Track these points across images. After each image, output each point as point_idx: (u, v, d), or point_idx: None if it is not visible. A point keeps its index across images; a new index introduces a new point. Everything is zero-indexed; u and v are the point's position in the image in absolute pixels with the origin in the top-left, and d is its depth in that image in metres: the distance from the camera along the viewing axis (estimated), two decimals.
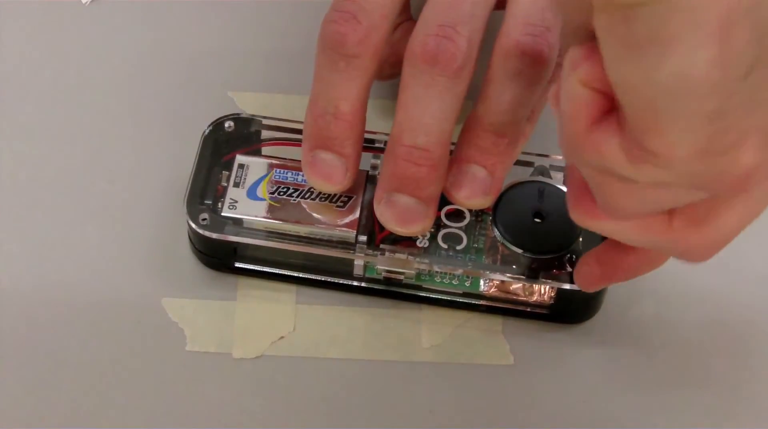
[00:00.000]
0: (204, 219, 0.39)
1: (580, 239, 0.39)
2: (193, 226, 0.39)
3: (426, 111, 0.35)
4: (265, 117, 0.42)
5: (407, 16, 0.42)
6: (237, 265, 0.41)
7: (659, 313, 0.41)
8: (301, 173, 0.39)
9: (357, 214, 0.39)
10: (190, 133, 0.42)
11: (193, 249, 0.41)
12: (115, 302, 0.41)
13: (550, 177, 0.40)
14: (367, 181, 0.40)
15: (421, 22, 0.36)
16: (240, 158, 0.40)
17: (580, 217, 0.31)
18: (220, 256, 0.41)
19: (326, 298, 0.41)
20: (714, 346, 0.41)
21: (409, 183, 0.36)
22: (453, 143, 0.37)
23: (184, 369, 0.39)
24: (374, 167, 0.40)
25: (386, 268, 0.40)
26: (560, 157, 0.41)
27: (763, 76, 0.25)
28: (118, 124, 0.45)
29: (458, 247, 0.39)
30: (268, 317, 0.40)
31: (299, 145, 0.38)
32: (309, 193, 0.39)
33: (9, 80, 0.46)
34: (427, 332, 0.40)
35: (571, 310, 0.40)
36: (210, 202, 0.40)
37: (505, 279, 0.39)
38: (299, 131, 0.38)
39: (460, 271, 0.39)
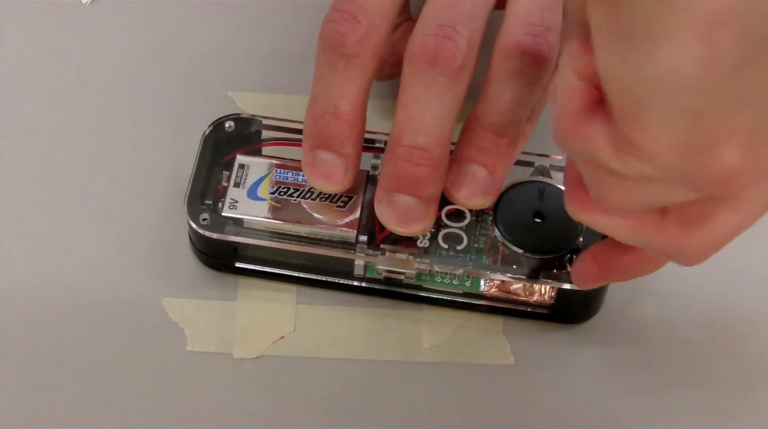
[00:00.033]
0: (204, 219, 0.39)
1: (581, 239, 0.39)
2: (194, 226, 0.39)
3: (426, 111, 0.35)
4: (265, 117, 0.42)
5: (407, 16, 0.42)
6: (237, 265, 0.41)
7: (659, 313, 0.41)
8: (301, 173, 0.39)
9: (357, 214, 0.39)
10: (191, 133, 0.42)
11: (194, 249, 0.41)
12: (116, 302, 0.41)
13: (551, 177, 0.40)
14: (368, 181, 0.40)
15: (420, 22, 0.36)
16: (240, 158, 0.40)
17: (575, 210, 0.31)
18: (220, 256, 0.41)
19: (327, 298, 0.41)
20: (714, 346, 0.41)
21: (409, 183, 0.36)
22: (453, 143, 0.37)
23: (185, 369, 0.39)
24: (374, 167, 0.40)
25: (387, 268, 0.40)
26: (560, 157, 0.41)
27: (751, 78, 0.25)
28: (118, 124, 0.45)
29: (459, 247, 0.39)
30: (268, 317, 0.40)
31: (299, 145, 0.38)
32: (309, 193, 0.39)
33: (9, 80, 0.46)
34: (427, 332, 0.40)
35: (572, 310, 0.40)
36: (210, 202, 0.40)
37: (505, 279, 0.39)
38: (299, 131, 0.38)
39: (460, 271, 0.39)
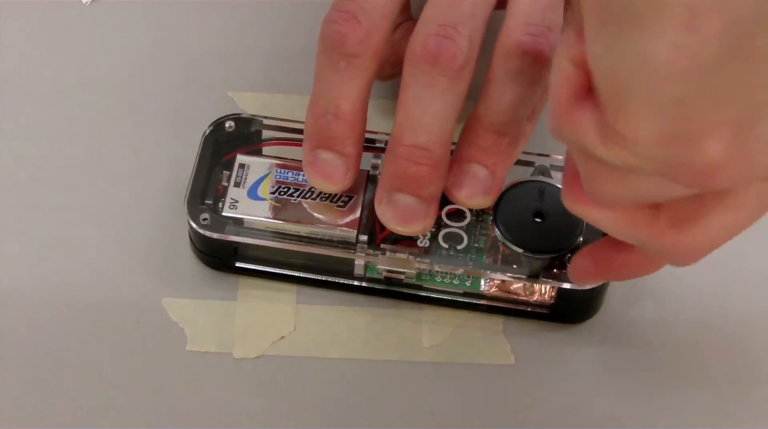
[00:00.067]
0: (205, 219, 0.39)
1: (581, 239, 0.39)
2: (194, 225, 0.39)
3: (427, 111, 0.35)
4: (265, 117, 0.42)
5: (408, 16, 0.42)
6: (238, 264, 0.41)
7: (659, 313, 0.41)
8: (301, 173, 0.39)
9: (358, 213, 0.39)
10: (191, 133, 0.42)
11: (194, 249, 0.41)
12: (116, 302, 0.41)
13: (551, 177, 0.40)
14: (368, 180, 0.40)
15: (421, 22, 0.36)
16: (241, 158, 0.40)
17: (570, 202, 0.31)
18: (220, 256, 0.41)
19: (327, 297, 0.41)
20: (714, 346, 0.41)
21: (409, 182, 0.36)
22: (454, 143, 0.37)
23: (185, 369, 0.39)
24: (375, 167, 0.40)
25: (387, 268, 0.40)
26: (560, 157, 0.41)
27: (736, 71, 0.24)
28: (118, 124, 0.45)
29: (459, 247, 0.39)
30: (268, 317, 0.40)
31: (300, 145, 0.38)
32: (310, 193, 0.39)
33: (9, 80, 0.46)
34: (427, 332, 0.40)
35: (572, 310, 0.40)
36: (211, 201, 0.40)
37: (505, 278, 0.39)
38: (300, 131, 0.38)
39: (460, 271, 0.39)
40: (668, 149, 0.26)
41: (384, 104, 0.44)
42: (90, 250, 0.42)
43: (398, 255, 0.39)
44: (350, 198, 0.39)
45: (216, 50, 0.47)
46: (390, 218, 0.37)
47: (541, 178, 0.40)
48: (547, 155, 0.41)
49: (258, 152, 0.41)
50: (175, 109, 0.45)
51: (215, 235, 0.39)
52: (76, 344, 0.40)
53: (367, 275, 0.40)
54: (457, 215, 0.40)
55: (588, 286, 0.38)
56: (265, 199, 0.39)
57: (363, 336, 0.40)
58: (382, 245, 0.39)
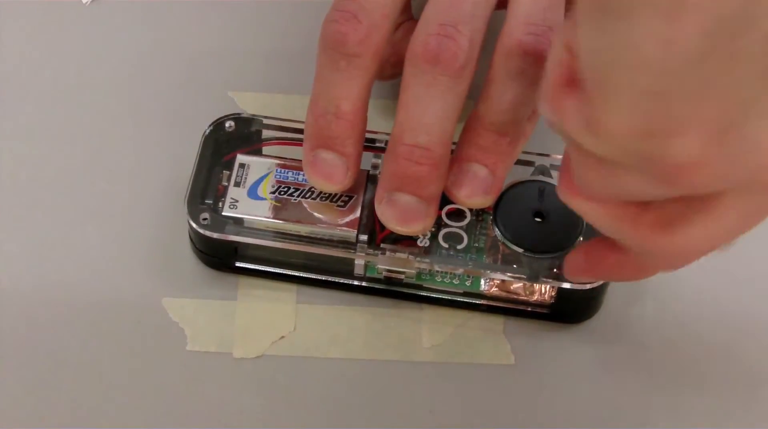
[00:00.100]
0: (205, 218, 0.39)
1: (581, 239, 0.39)
2: (194, 225, 0.39)
3: (427, 110, 0.35)
4: (265, 117, 0.42)
5: (408, 16, 0.42)
6: (238, 264, 0.41)
7: (659, 313, 0.41)
8: (302, 173, 0.39)
9: (358, 213, 0.39)
10: (191, 133, 0.42)
11: (194, 249, 0.41)
12: (116, 302, 0.41)
13: (551, 176, 0.40)
14: (368, 180, 0.40)
15: (422, 22, 0.36)
16: (241, 158, 0.40)
17: (563, 191, 0.31)
18: (220, 256, 0.41)
19: (327, 297, 0.41)
20: (714, 346, 0.41)
21: (410, 182, 0.36)
22: (454, 143, 0.37)
23: (185, 369, 0.39)
24: (375, 167, 0.40)
25: (387, 268, 0.40)
26: (560, 157, 0.41)
27: (720, 70, 0.24)
28: (118, 124, 0.45)
29: (459, 247, 0.39)
30: (268, 317, 0.40)
31: (300, 145, 0.38)
32: (310, 193, 0.39)
33: (9, 80, 0.46)
34: (427, 332, 0.40)
35: (572, 310, 0.40)
36: (211, 201, 0.40)
37: (505, 278, 0.39)
38: (300, 131, 0.38)
39: (460, 271, 0.39)
40: (644, 142, 0.26)
41: (384, 104, 0.44)
42: (90, 250, 0.42)
43: (398, 255, 0.39)
44: (350, 198, 0.39)
45: (216, 50, 0.47)
46: (390, 218, 0.37)
47: (541, 178, 0.40)
48: (547, 155, 0.41)
49: (258, 152, 0.41)
50: (175, 109, 0.45)
51: (215, 235, 0.39)
52: (76, 344, 0.40)
53: (367, 275, 0.40)
54: (457, 215, 0.40)
55: (587, 286, 0.38)
56: (265, 199, 0.39)
57: (363, 336, 0.40)
58: (382, 245, 0.39)
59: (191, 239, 0.41)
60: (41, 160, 0.44)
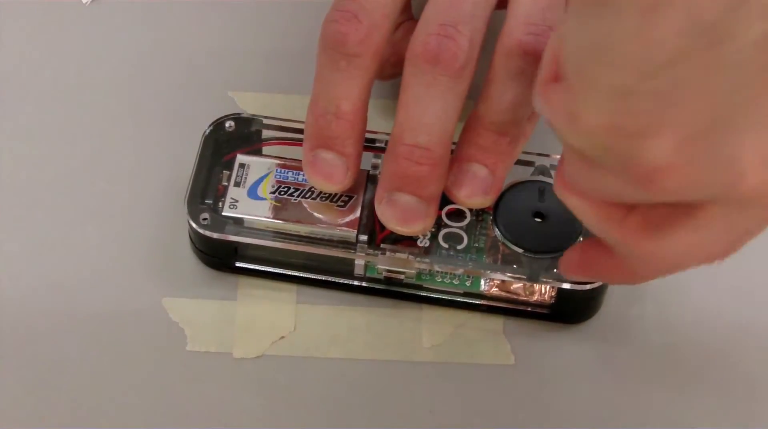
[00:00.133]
0: (205, 218, 0.39)
1: (581, 239, 0.39)
2: (194, 225, 0.39)
3: (427, 110, 0.35)
4: (265, 117, 0.42)
5: (408, 16, 0.42)
6: (238, 264, 0.41)
7: (659, 313, 0.41)
8: (302, 173, 0.39)
9: (358, 213, 0.39)
10: (191, 133, 0.42)
11: (194, 249, 0.41)
12: (116, 302, 0.40)
13: (551, 176, 0.40)
14: (368, 180, 0.40)
15: (422, 22, 0.36)
16: (241, 158, 0.40)
17: (557, 186, 0.31)
18: (220, 256, 0.41)
19: (327, 297, 0.41)
20: (714, 347, 0.41)
21: (410, 182, 0.36)
22: (454, 143, 0.37)
23: (185, 369, 0.39)
24: (375, 167, 0.40)
25: (387, 268, 0.40)
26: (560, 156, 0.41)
27: (693, 76, 0.24)
28: (118, 124, 0.45)
29: (459, 247, 0.39)
30: (268, 317, 0.40)
31: (300, 145, 0.38)
32: (310, 193, 0.39)
33: (9, 80, 0.46)
34: (427, 332, 0.40)
35: (572, 310, 0.40)
36: (211, 201, 0.40)
37: (505, 278, 0.39)
38: (300, 131, 0.38)
39: (460, 271, 0.39)
40: (618, 140, 0.26)
41: (384, 104, 0.44)
42: (90, 250, 0.42)
43: (398, 255, 0.39)
44: (350, 198, 0.39)
45: (216, 50, 0.47)
46: (390, 218, 0.37)
47: (541, 178, 0.40)
48: (547, 155, 0.41)
49: (258, 152, 0.41)
50: (175, 109, 0.45)
51: (215, 235, 0.39)
52: (76, 344, 0.40)
53: (367, 275, 0.40)
54: (457, 215, 0.40)
55: (587, 287, 0.38)
56: (265, 199, 0.39)
57: (363, 336, 0.40)
58: (382, 245, 0.39)
59: (191, 239, 0.41)
60: (41, 160, 0.44)
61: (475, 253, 0.39)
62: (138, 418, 0.38)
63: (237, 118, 0.41)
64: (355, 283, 0.41)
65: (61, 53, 0.47)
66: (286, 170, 0.40)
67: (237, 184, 0.40)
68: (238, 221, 0.39)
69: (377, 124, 0.41)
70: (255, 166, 0.40)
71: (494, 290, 0.40)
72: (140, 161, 0.44)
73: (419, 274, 0.40)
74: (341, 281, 0.41)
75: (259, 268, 0.41)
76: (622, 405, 0.39)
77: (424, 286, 0.40)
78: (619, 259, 0.33)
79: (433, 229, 0.39)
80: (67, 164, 0.44)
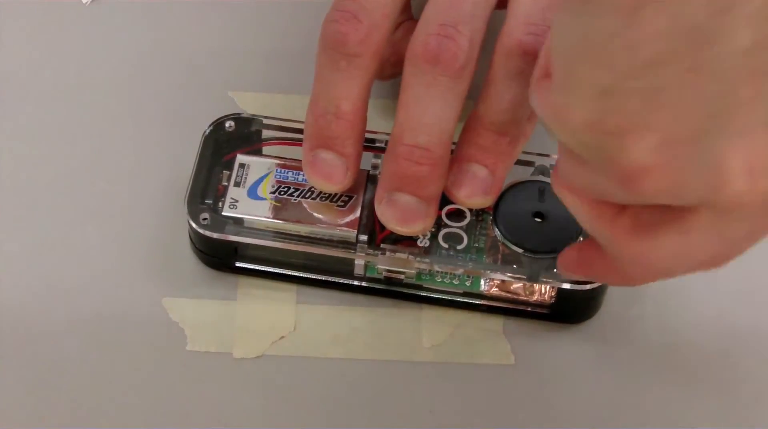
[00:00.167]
0: (204, 218, 0.39)
1: (581, 238, 0.39)
2: (194, 225, 0.39)
3: (427, 110, 0.35)
4: (265, 117, 0.42)
5: (408, 16, 0.42)
6: (238, 264, 0.41)
7: (659, 313, 0.41)
8: (302, 173, 0.39)
9: (358, 213, 0.39)
10: (191, 133, 0.42)
11: (194, 249, 0.41)
12: (115, 302, 0.40)
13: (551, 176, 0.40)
14: (368, 180, 0.40)
15: (422, 22, 0.36)
16: (241, 158, 0.40)
17: (553, 182, 0.31)
18: (220, 256, 0.41)
19: (327, 297, 0.41)
20: (713, 347, 0.41)
21: (410, 182, 0.36)
22: (454, 143, 0.37)
23: (185, 369, 0.39)
24: (375, 167, 0.40)
25: (387, 268, 0.40)
26: None
27: (672, 78, 0.24)
28: (118, 124, 0.45)
29: (459, 247, 0.39)
30: (268, 317, 0.40)
31: (300, 145, 0.38)
32: (310, 193, 0.39)
33: (9, 80, 0.46)
34: (427, 332, 0.40)
35: (572, 310, 0.40)
36: (211, 201, 0.40)
37: (505, 278, 0.39)
38: (300, 131, 0.38)
39: (460, 271, 0.39)
40: (601, 139, 0.26)
41: (384, 104, 0.44)
42: (90, 250, 0.42)
43: (398, 255, 0.39)
44: (350, 198, 0.39)
45: (216, 50, 0.47)
46: (390, 218, 0.37)
47: (541, 178, 0.40)
48: (547, 155, 0.41)
49: (258, 152, 0.41)
50: (175, 109, 0.45)
51: (215, 235, 0.39)
52: (76, 344, 0.40)
53: (367, 275, 0.40)
54: (457, 215, 0.40)
55: (587, 287, 0.38)
56: (265, 199, 0.39)
57: (363, 336, 0.40)
58: (382, 245, 0.39)
59: (191, 239, 0.41)
60: (41, 160, 0.44)
61: (475, 253, 0.39)
62: (138, 418, 0.38)
63: (237, 118, 0.41)
64: (355, 283, 0.41)
65: (61, 53, 0.47)
66: (286, 170, 0.40)
67: (237, 184, 0.40)
68: (238, 221, 0.39)
69: (377, 124, 0.41)
70: (255, 166, 0.40)
71: (494, 290, 0.40)
72: (140, 161, 0.44)
73: (419, 274, 0.40)
74: (341, 281, 0.41)
75: (259, 268, 0.41)
76: (622, 405, 0.39)
77: (424, 286, 0.40)
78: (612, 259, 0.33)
79: (433, 229, 0.39)
80: (67, 164, 0.44)
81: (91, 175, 0.43)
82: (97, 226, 0.42)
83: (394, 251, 0.39)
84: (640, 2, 0.24)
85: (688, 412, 0.39)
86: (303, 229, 0.39)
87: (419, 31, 0.35)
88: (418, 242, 0.39)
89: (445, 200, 0.38)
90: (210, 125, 0.41)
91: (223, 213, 0.39)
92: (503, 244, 0.39)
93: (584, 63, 0.25)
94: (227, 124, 0.41)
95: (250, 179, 0.40)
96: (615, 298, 0.41)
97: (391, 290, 0.41)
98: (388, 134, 0.37)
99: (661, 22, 0.24)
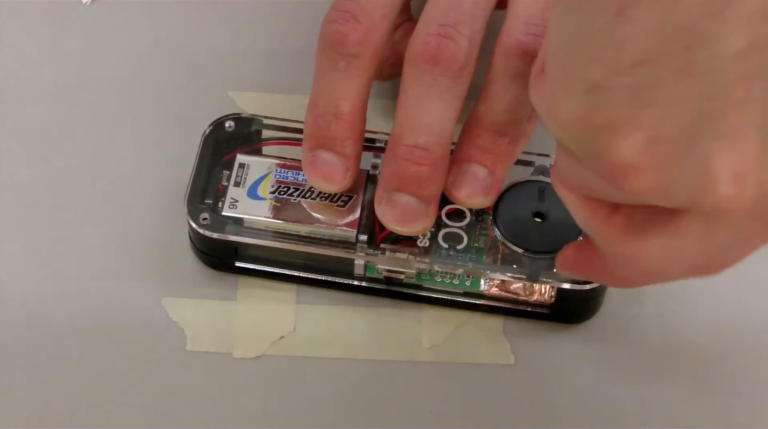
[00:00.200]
0: (204, 218, 0.39)
1: (581, 238, 0.39)
2: (194, 225, 0.39)
3: (427, 111, 0.35)
4: (265, 117, 0.42)
5: (407, 17, 0.42)
6: (237, 264, 0.41)
7: (659, 313, 0.41)
8: (301, 173, 0.39)
9: (357, 213, 0.39)
10: (191, 132, 0.42)
11: (194, 248, 0.41)
12: (115, 302, 0.40)
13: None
14: (368, 180, 0.40)
15: (421, 22, 0.36)
16: (241, 158, 0.40)
17: (552, 178, 0.31)
18: (220, 256, 0.41)
19: (327, 297, 0.41)
20: (714, 346, 0.41)
21: (409, 182, 0.36)
22: (453, 143, 0.37)
23: (184, 369, 0.39)
24: (375, 167, 0.40)
25: (387, 268, 0.40)
26: None
27: (661, 77, 0.24)
28: (118, 124, 0.45)
29: (459, 247, 0.39)
30: (268, 317, 0.40)
31: (300, 145, 0.38)
32: (310, 193, 0.39)
33: (9, 80, 0.46)
34: (427, 332, 0.40)
35: (572, 310, 0.40)
36: (210, 201, 0.40)
37: (505, 278, 0.39)
38: (300, 131, 0.38)
39: (460, 271, 0.39)
40: (587, 133, 0.26)
41: (384, 104, 0.44)
42: (90, 250, 0.42)
43: (398, 255, 0.39)
44: (350, 198, 0.39)
45: (216, 50, 0.47)
46: (390, 218, 0.37)
47: (541, 178, 0.40)
48: (547, 155, 0.41)
49: (258, 152, 0.41)
50: (175, 109, 0.45)
51: (215, 235, 0.39)
52: (76, 344, 0.40)
53: (367, 275, 0.40)
54: (457, 215, 0.40)
55: (587, 286, 0.38)
56: (265, 199, 0.39)
57: (363, 336, 0.40)
58: (381, 245, 0.39)
59: (191, 239, 0.41)
60: (41, 160, 0.44)
61: (475, 253, 0.39)
62: (138, 418, 0.38)
63: (237, 118, 0.42)
64: (355, 283, 0.41)
65: (61, 53, 0.47)
66: (286, 170, 0.40)
67: (237, 184, 0.40)
68: (238, 221, 0.39)
69: (377, 124, 0.41)
70: (255, 166, 0.40)
71: (494, 290, 0.40)
72: (140, 161, 0.44)
73: (419, 274, 0.40)
74: (341, 281, 0.41)
75: (259, 268, 0.41)
76: (622, 405, 0.39)
77: (424, 286, 0.40)
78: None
79: (433, 229, 0.39)
80: (67, 164, 0.44)
81: (91, 175, 0.43)
82: (97, 226, 0.42)
83: (394, 251, 0.39)
84: (628, 2, 0.24)
85: (688, 412, 0.39)
86: (303, 229, 0.39)
87: (419, 31, 0.35)
88: (418, 242, 0.39)
89: (445, 200, 0.38)
90: (210, 125, 0.41)
91: (223, 213, 0.39)
92: (503, 244, 0.39)
93: (575, 57, 0.25)
94: (227, 124, 0.41)
95: (250, 179, 0.40)
96: (615, 298, 0.41)
97: (391, 290, 0.41)
98: (387, 134, 0.37)
99: (651, 20, 0.24)
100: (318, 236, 0.39)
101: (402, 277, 0.40)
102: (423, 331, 0.40)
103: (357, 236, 0.39)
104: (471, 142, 0.37)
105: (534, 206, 0.40)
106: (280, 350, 0.40)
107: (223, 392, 0.39)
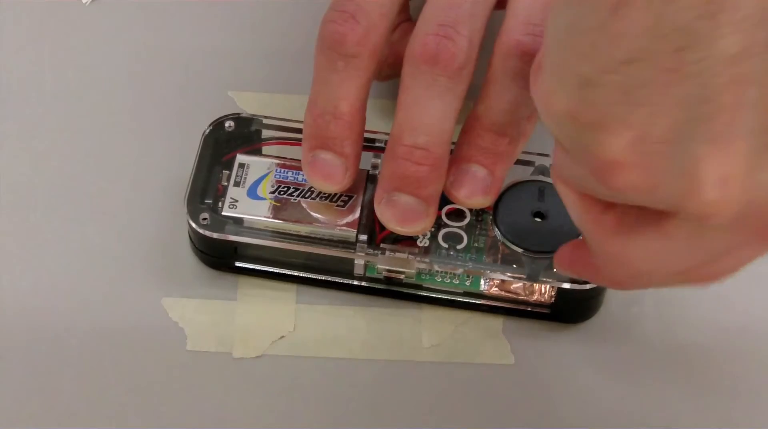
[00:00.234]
0: (204, 218, 0.39)
1: (581, 238, 0.39)
2: (194, 225, 0.39)
3: (426, 111, 0.35)
4: (265, 116, 0.42)
5: (406, 17, 0.42)
6: (237, 264, 0.41)
7: (659, 313, 0.41)
8: (301, 173, 0.39)
9: (357, 213, 0.39)
10: (191, 132, 0.42)
11: (194, 248, 0.41)
12: (115, 302, 0.41)
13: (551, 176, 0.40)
14: (368, 180, 0.40)
15: (421, 22, 0.36)
16: (240, 158, 0.40)
17: (551, 173, 0.31)
18: (220, 256, 0.41)
19: (327, 297, 0.41)
20: (714, 347, 0.41)
21: (409, 182, 0.36)
22: (453, 143, 0.37)
23: (184, 369, 0.39)
24: (374, 167, 0.40)
25: (387, 268, 0.40)
26: None
27: (651, 77, 0.24)
28: (118, 124, 0.45)
29: (459, 247, 0.39)
30: (268, 317, 0.40)
31: (300, 145, 0.38)
32: (309, 193, 0.39)
33: (9, 80, 0.46)
34: (427, 332, 0.40)
35: (572, 310, 0.40)
36: (210, 201, 0.40)
37: (505, 278, 0.39)
38: (300, 131, 0.38)
39: (460, 271, 0.39)
40: (577, 128, 0.26)
41: (384, 104, 0.44)
42: (90, 250, 0.42)
43: (398, 255, 0.39)
44: (350, 198, 0.39)
45: (216, 50, 0.47)
46: (390, 218, 0.37)
47: (541, 178, 0.40)
48: (547, 155, 0.41)
49: (258, 152, 0.41)
50: (175, 109, 0.45)
51: (215, 235, 0.39)
52: (76, 344, 0.40)
53: (367, 275, 0.40)
54: (457, 215, 0.40)
55: (587, 286, 0.38)
56: (264, 199, 0.39)
57: (363, 336, 0.40)
58: (381, 245, 0.39)
59: (191, 239, 0.41)
60: (41, 160, 0.44)
61: (474, 253, 0.39)
62: (138, 418, 0.38)
63: (237, 118, 0.42)
64: (355, 283, 0.41)
65: (61, 53, 0.47)
66: (286, 170, 0.40)
67: (237, 184, 0.40)
68: (238, 221, 0.39)
69: (376, 124, 0.41)
70: (255, 165, 0.40)
71: (494, 290, 0.40)
72: (140, 161, 0.44)
73: (419, 274, 0.40)
74: (341, 281, 0.41)
75: (259, 268, 0.41)
76: (622, 405, 0.39)
77: (424, 285, 0.40)
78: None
79: (433, 229, 0.39)
80: (67, 164, 0.44)
81: (91, 175, 0.43)
82: (97, 226, 0.42)
83: (394, 251, 0.39)
84: (621, 1, 0.24)
85: (687, 412, 0.39)
86: (303, 229, 0.39)
87: (418, 31, 0.35)
88: (418, 242, 0.39)
89: (445, 200, 0.38)
90: (210, 125, 0.41)
91: (222, 213, 0.39)
92: (503, 243, 0.39)
93: (570, 51, 0.25)
94: (227, 124, 0.41)
95: (250, 179, 0.40)
96: (615, 298, 0.41)
97: (391, 290, 0.41)
98: (387, 134, 0.37)
99: (645, 19, 0.24)
100: (318, 236, 0.39)
101: (402, 277, 0.40)
102: (423, 330, 0.40)
103: (357, 236, 0.39)
104: (471, 142, 0.37)
105: (534, 206, 0.40)
106: (280, 350, 0.40)
107: (223, 392, 0.39)
